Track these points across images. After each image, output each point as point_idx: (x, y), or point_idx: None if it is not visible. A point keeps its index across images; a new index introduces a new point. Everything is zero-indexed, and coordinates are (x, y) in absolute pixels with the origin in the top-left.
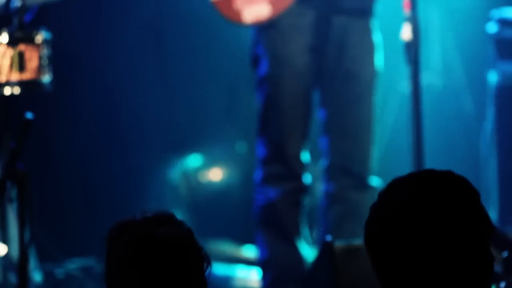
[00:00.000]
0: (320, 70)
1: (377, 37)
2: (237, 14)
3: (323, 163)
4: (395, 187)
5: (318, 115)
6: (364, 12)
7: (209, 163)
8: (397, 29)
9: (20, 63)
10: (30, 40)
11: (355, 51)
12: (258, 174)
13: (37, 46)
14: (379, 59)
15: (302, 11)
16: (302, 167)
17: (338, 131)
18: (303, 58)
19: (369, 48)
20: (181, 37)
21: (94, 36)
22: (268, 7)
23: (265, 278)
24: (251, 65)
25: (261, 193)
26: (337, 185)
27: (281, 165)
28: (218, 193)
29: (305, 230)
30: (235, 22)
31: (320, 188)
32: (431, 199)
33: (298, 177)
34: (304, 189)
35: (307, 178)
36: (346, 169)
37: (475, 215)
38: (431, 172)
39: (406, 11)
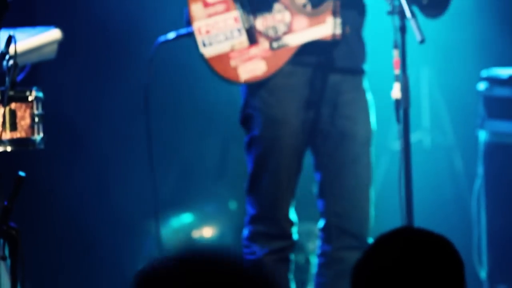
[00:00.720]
0: (314, 130)
1: (369, 96)
2: (232, 72)
3: (320, 223)
4: (380, 246)
5: (314, 176)
6: (357, 71)
7: (201, 221)
8: (389, 87)
9: (12, 121)
10: (22, 99)
11: (350, 110)
12: (246, 232)
13: (29, 104)
14: (373, 118)
15: (295, 70)
16: (291, 225)
17: (335, 193)
18: (297, 118)
19: (363, 107)
20: (172, 95)
21: (85, 95)
22: (263, 65)
23: None
24: (242, 124)
25: (248, 250)
26: (334, 246)
27: (271, 225)
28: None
29: (293, 286)
30: (229, 80)
31: (311, 247)
32: (414, 265)
33: (286, 236)
34: (292, 246)
35: (294, 235)
36: (344, 230)
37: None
38: (418, 233)
39: (396, 70)
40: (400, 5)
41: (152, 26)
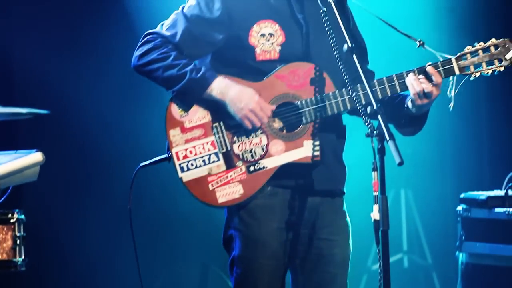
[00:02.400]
0: (292, 251)
1: (348, 218)
2: (210, 195)
3: None
4: None
5: None
6: (336, 193)
7: None
8: (368, 208)
9: None
10: (4, 221)
11: (327, 233)
12: None
13: (11, 226)
14: (350, 240)
15: (275, 191)
16: None
17: None
18: (276, 239)
19: (341, 229)
20: (153, 214)
21: (67, 217)
22: (240, 188)
23: None
24: (224, 246)
25: None
26: None
27: None
28: None
29: None
30: (207, 203)
31: None
32: None
33: None
34: None
35: None
36: None
37: None
38: None
39: (375, 191)
40: (379, 128)
41: (133, 151)
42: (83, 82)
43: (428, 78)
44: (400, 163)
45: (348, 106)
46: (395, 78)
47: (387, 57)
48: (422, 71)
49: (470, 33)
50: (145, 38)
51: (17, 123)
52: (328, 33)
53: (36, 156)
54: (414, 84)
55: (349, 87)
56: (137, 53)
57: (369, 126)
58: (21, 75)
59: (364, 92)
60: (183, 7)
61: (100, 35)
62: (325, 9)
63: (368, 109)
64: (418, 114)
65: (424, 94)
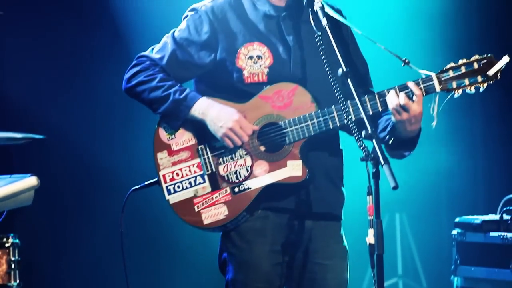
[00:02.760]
0: (287, 274)
1: (345, 243)
2: (196, 217)
3: None
4: None
5: None
6: (331, 217)
7: None
8: (364, 232)
9: None
10: None
11: (321, 258)
12: None
13: (6, 251)
14: (346, 265)
15: (266, 214)
16: None
17: None
18: (268, 262)
19: (336, 253)
20: (145, 238)
21: (62, 241)
22: (225, 209)
23: None
24: (220, 269)
25: None
26: None
27: None
28: None
29: None
30: (193, 225)
31: None
32: None
33: None
34: None
35: None
36: None
37: None
38: None
39: (370, 215)
40: (374, 152)
41: (125, 174)
42: (77, 107)
43: (408, 94)
44: (395, 187)
45: (331, 126)
46: (376, 96)
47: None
48: (403, 88)
49: (458, 53)
50: (135, 61)
51: (12, 148)
52: (323, 57)
53: (31, 181)
54: (392, 98)
55: (332, 106)
56: (126, 75)
57: (363, 150)
58: (15, 100)
59: (346, 110)
60: (174, 31)
61: (93, 60)
62: (319, 33)
63: (363, 133)
64: (405, 137)
65: (402, 108)
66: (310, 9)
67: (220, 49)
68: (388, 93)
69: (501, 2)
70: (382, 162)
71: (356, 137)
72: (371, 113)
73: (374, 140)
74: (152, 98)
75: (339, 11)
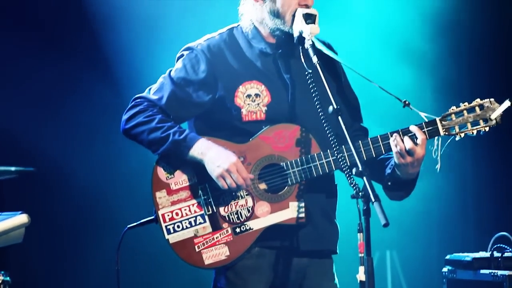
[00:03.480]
0: None
1: (336, 281)
2: (196, 257)
3: None
4: None
5: None
6: (325, 254)
7: None
8: (354, 270)
9: None
10: None
11: None
12: None
13: None
14: None
15: (262, 252)
16: None
17: None
18: None
19: None
20: (141, 276)
21: (53, 279)
22: (226, 250)
23: None
24: None
25: None
26: None
27: None
28: None
29: None
30: (193, 265)
31: None
32: None
33: None
34: None
35: None
36: None
37: None
38: None
39: (360, 253)
40: (365, 189)
41: (121, 212)
42: (69, 142)
43: (412, 138)
44: (386, 225)
45: (333, 168)
46: (379, 139)
47: (375, 116)
48: (406, 131)
49: (454, 94)
50: (133, 102)
51: (2, 184)
52: (314, 94)
53: (21, 218)
54: (396, 142)
55: (334, 149)
56: (124, 117)
57: (354, 187)
58: (5, 134)
59: (349, 153)
60: (170, 71)
61: (86, 97)
62: (310, 71)
63: (354, 170)
64: (405, 179)
65: (407, 152)
66: (300, 47)
67: (218, 87)
68: (391, 136)
69: (501, 45)
70: (373, 200)
71: (347, 175)
72: (374, 156)
73: (364, 178)
74: (152, 139)
75: (329, 47)
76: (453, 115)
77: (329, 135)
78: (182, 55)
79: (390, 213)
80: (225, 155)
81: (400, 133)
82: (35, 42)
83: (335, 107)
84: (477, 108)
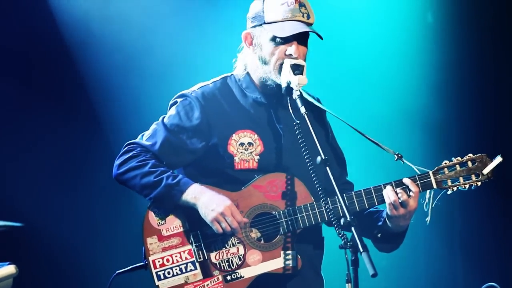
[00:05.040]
0: None
1: None
2: None
3: None
4: None
5: None
6: None
7: None
8: None
9: None
10: None
11: None
12: None
13: None
14: None
15: None
16: None
17: None
18: None
19: None
20: None
21: None
22: None
23: None
24: None
25: None
26: None
27: None
28: None
29: None
30: None
31: None
32: None
33: None
34: None
35: None
36: None
37: None
38: None
39: None
40: (353, 239)
41: (108, 257)
42: (56, 194)
43: (406, 190)
44: (374, 275)
45: (325, 218)
46: (372, 191)
47: (365, 169)
48: (400, 184)
49: (445, 148)
50: (125, 148)
51: None
52: (301, 145)
53: (9, 269)
54: (390, 194)
55: (322, 200)
56: (117, 162)
57: (342, 238)
58: None
59: (338, 204)
60: (163, 117)
61: (74, 149)
62: (298, 121)
63: (342, 220)
64: (395, 231)
65: (400, 204)
66: (288, 97)
67: (212, 135)
68: (384, 188)
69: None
70: (361, 250)
71: (335, 225)
72: (367, 207)
73: (353, 228)
74: (144, 183)
75: (319, 101)
76: (445, 169)
77: (316, 186)
78: (175, 102)
79: (379, 264)
80: (219, 199)
81: (394, 185)
82: (27, 98)
83: (323, 157)
84: (469, 163)
